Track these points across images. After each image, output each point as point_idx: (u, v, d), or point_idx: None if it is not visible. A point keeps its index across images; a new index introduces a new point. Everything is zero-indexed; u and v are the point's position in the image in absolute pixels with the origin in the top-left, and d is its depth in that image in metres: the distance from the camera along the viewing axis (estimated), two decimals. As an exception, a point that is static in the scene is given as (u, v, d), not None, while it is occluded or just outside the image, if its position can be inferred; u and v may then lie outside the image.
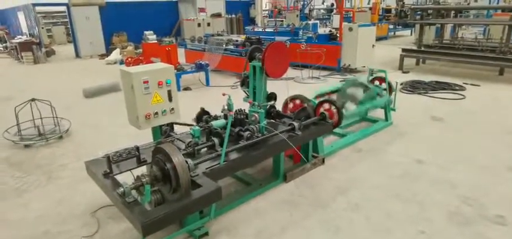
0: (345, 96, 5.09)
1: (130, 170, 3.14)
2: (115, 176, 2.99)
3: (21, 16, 19.92)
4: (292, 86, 8.56)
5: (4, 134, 5.58)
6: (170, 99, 3.43)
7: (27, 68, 13.62)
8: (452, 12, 13.45)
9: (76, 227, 3.31)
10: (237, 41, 10.48)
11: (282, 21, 19.09)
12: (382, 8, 21.20)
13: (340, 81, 9.08)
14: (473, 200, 3.55)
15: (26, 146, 5.33)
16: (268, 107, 4.24)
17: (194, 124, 3.86)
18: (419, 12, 14.09)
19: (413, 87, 8.07)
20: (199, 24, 16.76)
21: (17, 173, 4.49)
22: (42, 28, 19.99)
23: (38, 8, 17.75)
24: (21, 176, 4.40)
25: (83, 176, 3.80)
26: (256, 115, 3.71)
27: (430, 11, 12.12)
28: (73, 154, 5.01)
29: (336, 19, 15.93)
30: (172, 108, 3.48)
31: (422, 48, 10.94)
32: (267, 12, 25.23)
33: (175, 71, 7.97)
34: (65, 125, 5.93)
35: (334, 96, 5.14)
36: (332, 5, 24.67)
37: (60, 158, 4.92)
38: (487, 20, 14.54)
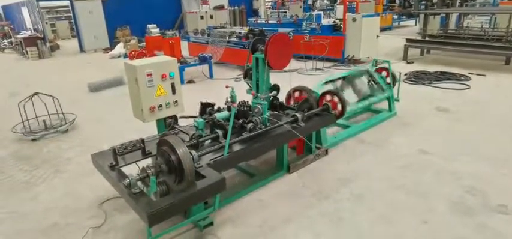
0: (351, 84, 5.11)
1: (135, 162, 3.19)
2: (121, 168, 3.04)
3: (25, 11, 20.05)
4: (296, 77, 8.56)
5: (14, 128, 5.66)
6: (174, 92, 3.46)
7: (32, 63, 13.73)
8: (458, 1, 13.27)
9: (83, 219, 3.38)
10: (240, 33, 10.46)
11: (286, 12, 18.97)
12: (386, -2, 20.97)
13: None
14: (477, 190, 3.55)
15: (33, 140, 5.41)
16: (271, 99, 4.25)
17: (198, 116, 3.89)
18: (424, 2, 13.92)
19: (418, 77, 8.02)
20: (202, 17, 16.72)
21: (25, 167, 4.57)
22: (46, 23, 20.09)
23: (41, 3, 17.84)
24: (29, 170, 4.48)
25: (89, 169, 3.87)
26: (259, 107, 3.72)
27: (435, 1, 11.97)
28: (79, 148, 5.08)
29: (339, 10, 15.79)
30: (176, 101, 3.51)
31: (427, 39, 10.83)
32: (270, 3, 25.07)
33: (179, 64, 7.99)
34: (70, 118, 6.00)
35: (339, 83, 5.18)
36: (335, -5, 24.41)
37: (66, 151, 5.00)
38: (493, 8, 14.32)
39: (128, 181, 2.61)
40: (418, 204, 3.39)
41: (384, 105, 5.84)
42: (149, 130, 3.87)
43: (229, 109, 3.76)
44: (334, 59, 10.17)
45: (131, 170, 3.03)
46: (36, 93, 5.67)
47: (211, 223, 3.13)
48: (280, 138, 3.70)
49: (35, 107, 5.68)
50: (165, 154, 2.73)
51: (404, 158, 4.30)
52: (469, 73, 8.25)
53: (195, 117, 3.76)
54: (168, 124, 3.68)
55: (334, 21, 11.16)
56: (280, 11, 19.12)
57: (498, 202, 3.34)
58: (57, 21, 23.26)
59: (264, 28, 11.04)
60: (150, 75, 3.24)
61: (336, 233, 3.05)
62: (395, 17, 19.91)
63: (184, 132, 3.57)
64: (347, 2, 11.56)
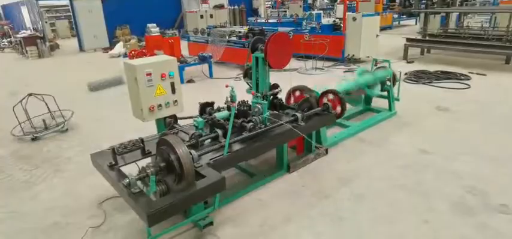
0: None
1: (135, 161, 3.18)
2: (120, 168, 3.03)
3: (24, 11, 20.04)
4: (296, 77, 8.54)
5: (12, 131, 5.65)
6: (173, 91, 3.45)
7: (32, 63, 13.71)
8: (458, 0, 13.26)
9: (83, 219, 3.37)
10: (240, 32, 10.44)
11: (285, 11, 18.96)
12: (387, -3, 20.95)
13: (344, 71, 9.04)
14: (478, 190, 3.54)
15: (33, 139, 5.40)
16: (271, 98, 4.24)
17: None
18: (424, 1, 13.90)
19: (418, 77, 8.00)
20: (202, 16, 16.70)
21: (25, 166, 4.56)
22: (46, 22, 20.06)
23: (41, 2, 17.84)
24: (29, 169, 4.48)
25: (89, 168, 3.85)
26: (259, 106, 3.72)
27: (435, 0, 11.95)
28: (79, 147, 5.07)
29: (339, 9, 15.81)
30: (176, 101, 3.50)
31: (427, 38, 10.82)
32: (270, 2, 25.06)
33: (179, 63, 7.97)
34: (67, 117, 5.99)
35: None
36: (336, -6, 24.39)
37: (66, 151, 4.99)
38: (493, 7, 14.31)
39: (128, 180, 2.61)
40: (419, 204, 3.38)
41: (384, 104, 5.83)
42: (149, 129, 3.86)
43: (229, 108, 3.75)
44: (334, 59, 10.15)
45: (131, 169, 3.02)
46: (30, 94, 5.66)
47: (211, 223, 3.12)
48: (280, 137, 3.69)
49: (33, 106, 5.66)
50: (164, 153, 2.72)
51: (404, 158, 4.29)
52: (469, 72, 8.24)
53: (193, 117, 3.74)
54: (168, 124, 3.67)
55: (334, 21, 11.15)
56: (280, 10, 19.11)
57: (499, 201, 3.34)
58: (57, 20, 23.25)
59: (263, 27, 11.03)
60: (149, 74, 3.24)
61: (336, 233, 3.04)
62: (396, 16, 19.91)
63: (184, 131, 3.56)
64: (347, 1, 11.53)
